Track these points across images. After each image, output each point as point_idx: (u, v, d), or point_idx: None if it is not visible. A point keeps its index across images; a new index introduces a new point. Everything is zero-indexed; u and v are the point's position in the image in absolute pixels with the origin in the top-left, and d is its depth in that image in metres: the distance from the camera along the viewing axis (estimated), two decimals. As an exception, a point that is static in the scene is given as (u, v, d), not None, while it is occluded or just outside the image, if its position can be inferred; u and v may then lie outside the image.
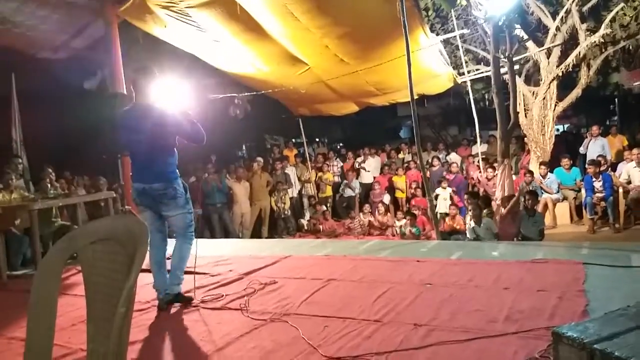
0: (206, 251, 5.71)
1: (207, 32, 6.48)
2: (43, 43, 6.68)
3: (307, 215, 10.66)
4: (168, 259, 3.82)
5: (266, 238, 9.07)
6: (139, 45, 8.03)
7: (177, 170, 3.72)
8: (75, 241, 1.63)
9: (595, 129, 9.58)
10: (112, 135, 3.90)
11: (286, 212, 10.08)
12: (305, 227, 10.17)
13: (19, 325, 3.48)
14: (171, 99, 3.77)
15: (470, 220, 6.47)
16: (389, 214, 9.84)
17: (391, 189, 10.79)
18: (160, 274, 3.69)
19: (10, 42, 6.40)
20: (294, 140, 14.59)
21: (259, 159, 10.61)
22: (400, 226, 8.69)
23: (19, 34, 6.14)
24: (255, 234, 9.67)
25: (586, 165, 8.36)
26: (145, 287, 3.82)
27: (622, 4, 7.97)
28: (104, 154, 5.52)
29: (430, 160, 10.75)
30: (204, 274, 4.57)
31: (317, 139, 19.52)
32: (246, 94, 9.79)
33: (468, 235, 6.52)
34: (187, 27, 6.32)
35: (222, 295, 3.82)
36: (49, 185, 6.32)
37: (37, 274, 1.68)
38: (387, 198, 10.50)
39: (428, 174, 10.05)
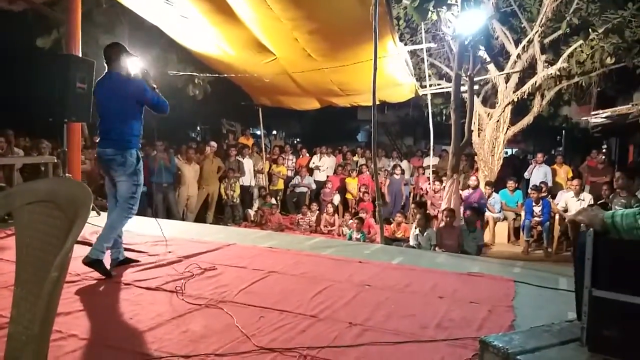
0: (146, 230, 5.58)
1: (175, 6, 6.31)
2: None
3: (256, 206, 10.57)
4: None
5: (211, 224, 8.91)
6: (101, 8, 7.71)
7: (136, 141, 3.85)
8: (12, 199, 1.55)
9: (540, 156, 10.05)
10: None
11: (235, 200, 9.96)
12: (252, 218, 10.10)
13: None
14: (131, 68, 3.88)
15: (415, 228, 6.63)
16: (337, 214, 9.93)
17: (342, 190, 10.89)
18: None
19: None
20: (250, 129, 14.44)
21: (213, 143, 10.42)
22: (347, 226, 8.79)
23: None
24: (200, 218, 9.49)
25: (529, 190, 8.76)
26: (78, 260, 3.67)
27: (580, 41, 8.38)
28: (51, 116, 5.27)
29: (389, 169, 10.94)
30: (142, 252, 4.46)
31: (275, 131, 19.43)
32: (207, 74, 9.59)
33: (410, 242, 6.68)
34: (156, -2, 6.13)
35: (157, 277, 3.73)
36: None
37: None
38: (337, 199, 10.59)
39: (388, 181, 10.23)
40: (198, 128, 16.95)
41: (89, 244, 4.55)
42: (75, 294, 3.29)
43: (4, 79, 9.87)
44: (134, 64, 3.94)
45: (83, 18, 6.08)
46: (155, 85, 3.96)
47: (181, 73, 9.29)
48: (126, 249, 4.50)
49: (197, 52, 8.27)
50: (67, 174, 5.77)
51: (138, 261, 4.09)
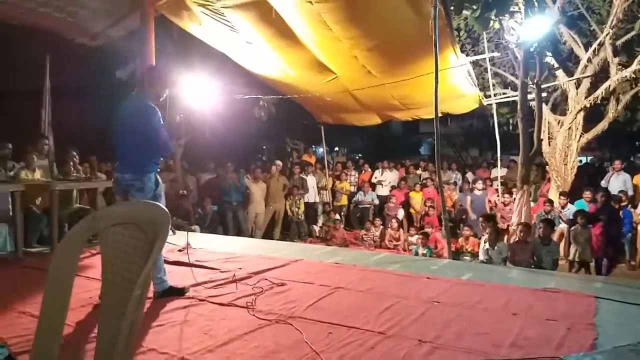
0: (218, 247, 5.79)
1: (239, 33, 6.58)
2: (81, 29, 6.86)
3: (320, 222, 10.67)
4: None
5: (278, 240, 9.10)
6: (173, 40, 8.18)
7: (154, 166, 3.81)
8: (98, 222, 1.67)
9: (617, 163, 9.44)
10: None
11: (300, 217, 10.13)
12: (317, 234, 10.19)
13: (30, 301, 3.57)
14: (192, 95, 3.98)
15: (485, 242, 6.42)
16: (401, 229, 9.81)
17: (406, 204, 10.76)
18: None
19: (50, 24, 6.57)
20: (313, 146, 14.65)
21: (278, 162, 10.69)
22: (412, 242, 8.66)
23: (59, 18, 6.30)
24: (268, 235, 9.72)
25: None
26: (155, 276, 3.87)
27: (656, 42, 7.88)
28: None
29: (470, 184, 10.63)
30: (214, 269, 4.62)
31: (337, 148, 19.57)
32: (272, 96, 9.88)
33: (480, 257, 6.47)
34: (221, 27, 6.43)
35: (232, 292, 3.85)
36: (72, 167, 6.45)
37: (58, 249, 1.72)
38: (401, 213, 10.47)
39: (469, 199, 9.85)
40: (264, 148, 17.41)
41: (165, 262, 4.82)
42: (153, 310, 3.46)
43: (88, 110, 10.68)
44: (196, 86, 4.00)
45: (156, 49, 6.48)
46: (178, 120, 3.96)
47: (247, 96, 9.64)
48: (199, 266, 4.71)
49: (261, 75, 8.56)
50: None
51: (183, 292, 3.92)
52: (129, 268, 1.55)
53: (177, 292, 3.82)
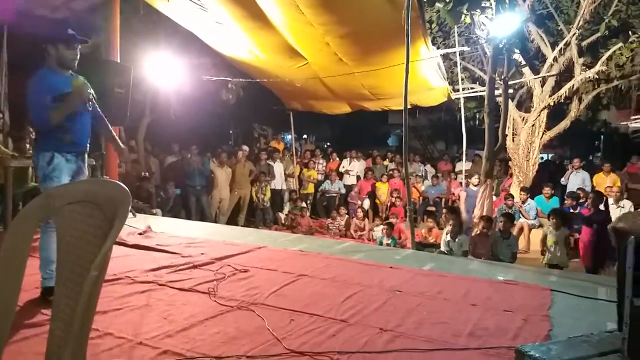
0: (180, 231, 5.69)
1: (209, 12, 6.43)
2: (43, 0, 6.54)
3: (286, 210, 10.64)
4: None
5: (242, 226, 9.01)
6: (138, 16, 7.91)
7: (52, 143, 3.30)
8: (53, 200, 1.59)
9: (576, 161, 9.76)
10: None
11: (265, 204, 10.05)
12: (283, 221, 10.16)
13: (-20, 282, 3.41)
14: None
15: (447, 234, 6.53)
16: (367, 219, 9.88)
17: (373, 194, 10.84)
18: None
19: (8, -6, 6.25)
20: (282, 133, 14.56)
21: (245, 147, 10.55)
22: (377, 232, 8.73)
23: (18, -13, 6.00)
24: (232, 221, 9.61)
25: (565, 197, 8.51)
26: (115, 260, 3.77)
27: (620, 44, 8.12)
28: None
29: (423, 174, 10.77)
30: (176, 253, 4.54)
31: (305, 135, 19.49)
32: (240, 79, 9.72)
33: (442, 248, 6.58)
34: (190, 5, 6.26)
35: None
36: (27, 144, 6.17)
37: (10, 229, 1.63)
38: (367, 203, 10.55)
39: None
40: (231, 132, 17.16)
41: (125, 245, 4.70)
42: (111, 294, 3.36)
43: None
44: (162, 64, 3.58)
45: (121, 25, 6.26)
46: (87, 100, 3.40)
47: (215, 78, 9.45)
48: (161, 250, 4.62)
49: (230, 57, 8.40)
50: (105, 176, 5.94)
51: None
52: (86, 248, 1.48)
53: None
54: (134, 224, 5.59)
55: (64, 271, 1.58)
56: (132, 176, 8.56)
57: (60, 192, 1.65)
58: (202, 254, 4.54)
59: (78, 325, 1.40)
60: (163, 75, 7.71)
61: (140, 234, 5.32)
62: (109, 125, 3.82)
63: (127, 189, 1.44)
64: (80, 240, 1.51)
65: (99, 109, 3.66)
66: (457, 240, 6.39)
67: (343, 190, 11.10)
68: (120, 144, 3.88)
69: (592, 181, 9.55)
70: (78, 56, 3.41)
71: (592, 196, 7.34)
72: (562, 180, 9.79)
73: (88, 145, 3.56)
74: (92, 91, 3.51)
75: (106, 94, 5.28)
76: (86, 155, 3.58)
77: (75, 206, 1.55)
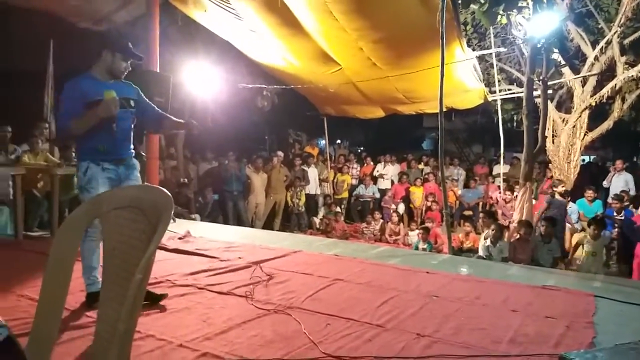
0: (218, 236, 5.79)
1: (244, 21, 6.55)
2: (86, 13, 6.82)
3: (321, 214, 10.67)
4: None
5: (278, 231, 9.10)
6: (177, 27, 8.14)
7: (87, 153, 3.29)
8: (100, 205, 1.66)
9: (619, 163, 9.40)
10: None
11: (300, 208, 10.13)
12: (317, 226, 10.19)
13: (29, 285, 3.57)
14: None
15: (486, 239, 6.41)
16: (402, 223, 9.80)
17: (407, 198, 10.75)
18: None
19: (54, 8, 6.54)
20: (316, 138, 14.62)
21: (280, 152, 10.66)
22: (412, 236, 8.65)
23: (63, 2, 6.27)
24: (268, 225, 9.72)
25: (610, 199, 8.21)
26: (155, 264, 3.87)
27: (664, 41, 7.82)
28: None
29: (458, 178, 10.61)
30: (214, 257, 4.62)
31: (339, 140, 19.51)
32: (275, 86, 9.84)
33: (480, 253, 6.46)
34: (226, 14, 6.40)
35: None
36: (73, 152, 6.42)
37: (58, 234, 1.70)
38: (401, 207, 10.46)
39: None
40: (265, 138, 17.37)
41: (165, 249, 4.82)
42: (152, 296, 3.45)
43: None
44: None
45: (160, 35, 6.45)
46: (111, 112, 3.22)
47: (250, 85, 9.60)
48: (199, 254, 4.71)
49: (265, 65, 8.52)
50: (145, 183, 6.12)
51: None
52: (130, 252, 1.54)
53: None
54: (174, 228, 5.73)
55: (109, 275, 1.64)
56: (171, 182, 8.78)
57: (107, 198, 1.72)
58: (240, 257, 4.61)
59: (123, 327, 1.45)
60: (201, 83, 7.90)
61: (179, 238, 5.45)
62: (163, 113, 3.72)
63: (169, 194, 1.49)
64: (125, 245, 1.56)
65: (148, 103, 3.63)
66: (497, 245, 6.26)
67: (377, 195, 11.05)
68: (182, 121, 3.80)
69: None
70: (128, 69, 3.44)
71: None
72: (605, 183, 9.45)
73: (132, 149, 3.50)
74: (131, 95, 3.46)
75: (147, 102, 5.46)
76: (132, 160, 3.49)
77: (121, 211, 1.61)
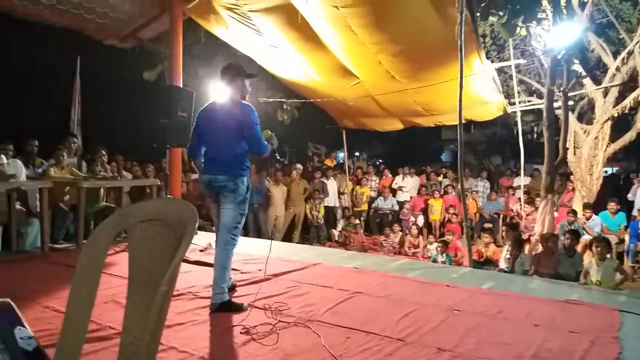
0: (238, 248, 5.82)
1: (265, 37, 6.65)
2: (111, 31, 7.03)
3: (340, 227, 10.67)
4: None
5: (297, 243, 9.12)
6: (200, 43, 8.31)
7: (247, 169, 3.81)
8: (126, 218, 1.70)
9: (644, 175, 9.22)
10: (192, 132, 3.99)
11: (319, 221, 10.15)
12: (336, 238, 10.19)
13: (55, 296, 3.65)
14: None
15: (507, 252, 6.33)
16: (421, 236, 9.74)
17: (426, 211, 10.68)
18: None
19: (81, 25, 6.75)
20: (336, 151, 14.68)
21: (299, 165, 10.72)
22: (431, 249, 8.58)
23: (90, 20, 6.47)
24: (287, 238, 9.76)
25: (636, 211, 8.05)
26: (179, 276, 3.91)
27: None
28: (155, 142, 5.76)
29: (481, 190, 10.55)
30: (234, 270, 4.65)
31: (357, 153, 19.54)
32: (295, 100, 9.94)
33: (501, 266, 6.38)
34: (247, 30, 6.51)
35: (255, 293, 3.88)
36: (99, 166, 6.58)
37: (86, 244, 1.74)
38: (420, 220, 10.40)
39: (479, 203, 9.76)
40: (285, 151, 17.51)
41: (187, 261, 4.88)
42: (174, 309, 3.49)
43: (116, 110, 10.89)
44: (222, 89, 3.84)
45: (184, 52, 6.59)
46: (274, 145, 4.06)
47: (271, 100, 9.72)
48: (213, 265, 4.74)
49: (285, 79, 8.62)
50: (168, 195, 6.22)
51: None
52: (155, 264, 1.57)
53: (236, 308, 3.56)
54: (196, 241, 5.79)
55: (135, 287, 1.67)
56: (193, 195, 8.89)
57: (133, 211, 1.76)
58: (260, 270, 4.64)
59: (148, 338, 1.48)
60: (223, 98, 8.01)
61: (201, 250, 5.51)
62: None
63: (194, 207, 1.53)
64: (150, 257, 1.60)
65: None
66: (518, 259, 6.18)
67: (396, 207, 11.01)
68: None
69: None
70: None
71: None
72: (629, 196, 9.26)
73: None
74: None
75: (170, 117, 5.59)
76: None
77: (146, 224, 1.66)
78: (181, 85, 6.45)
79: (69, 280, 1.63)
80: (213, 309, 3.51)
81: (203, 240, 5.89)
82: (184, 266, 4.75)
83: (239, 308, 3.56)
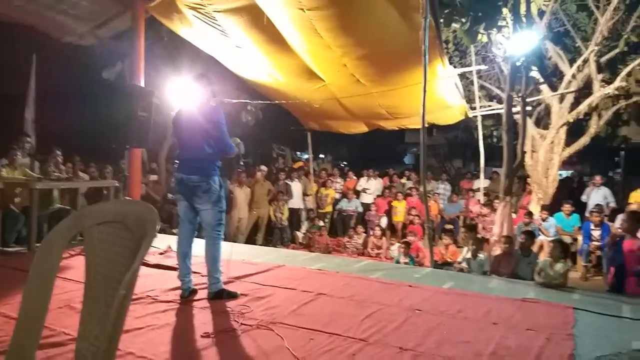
0: (199, 251, 5.73)
1: (230, 37, 6.59)
2: (70, 28, 6.79)
3: (304, 228, 10.66)
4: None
5: (260, 245, 9.05)
6: (162, 42, 8.15)
7: (217, 168, 3.90)
8: (83, 220, 1.64)
9: (598, 178, 9.62)
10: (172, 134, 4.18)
11: (283, 223, 10.10)
12: (300, 240, 10.17)
13: (5, 302, 3.48)
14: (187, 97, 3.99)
15: (467, 252, 6.48)
16: (384, 237, 9.84)
17: (390, 212, 10.81)
18: (185, 265, 3.91)
19: (37, 22, 6.51)
20: (298, 152, 14.65)
21: (263, 167, 10.66)
22: (394, 250, 8.68)
23: (47, 17, 6.24)
24: (250, 240, 9.67)
25: (589, 212, 8.38)
26: (137, 279, 3.82)
27: (639, 60, 8.06)
28: (114, 143, 5.60)
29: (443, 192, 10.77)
30: (195, 272, 4.57)
31: (322, 155, 19.59)
32: (260, 101, 9.87)
33: (460, 262, 6.52)
34: (212, 30, 6.43)
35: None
36: (53, 167, 6.35)
37: (40, 249, 1.67)
38: (384, 221, 10.51)
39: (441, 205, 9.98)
40: (249, 152, 17.38)
41: (146, 264, 4.76)
42: (132, 313, 3.39)
43: (73, 110, 10.52)
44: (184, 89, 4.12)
45: (145, 50, 6.45)
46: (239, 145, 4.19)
47: (235, 100, 9.62)
48: (173, 269, 4.66)
49: (250, 80, 8.55)
50: (127, 197, 6.06)
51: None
52: (114, 267, 1.52)
53: (229, 296, 3.84)
54: (155, 243, 5.66)
55: (91, 290, 1.62)
56: (153, 197, 8.70)
57: (90, 213, 1.70)
58: (222, 273, 4.57)
59: (106, 343, 1.43)
60: (185, 98, 7.88)
61: (161, 253, 5.40)
62: None
63: (154, 208, 1.49)
64: (108, 260, 1.55)
65: None
66: (477, 259, 6.33)
67: (360, 209, 11.09)
68: None
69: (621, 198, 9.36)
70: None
71: (624, 218, 5.74)
72: (583, 197, 9.65)
73: None
74: None
75: (130, 117, 5.44)
76: None
77: (104, 227, 1.60)
78: (142, 84, 6.31)
79: (21, 284, 1.56)
80: (211, 297, 3.79)
81: (163, 243, 5.77)
82: (143, 269, 4.63)
83: (233, 296, 3.83)
